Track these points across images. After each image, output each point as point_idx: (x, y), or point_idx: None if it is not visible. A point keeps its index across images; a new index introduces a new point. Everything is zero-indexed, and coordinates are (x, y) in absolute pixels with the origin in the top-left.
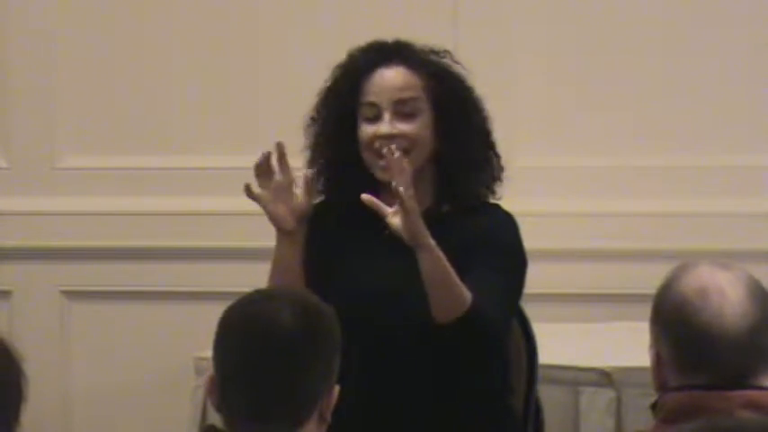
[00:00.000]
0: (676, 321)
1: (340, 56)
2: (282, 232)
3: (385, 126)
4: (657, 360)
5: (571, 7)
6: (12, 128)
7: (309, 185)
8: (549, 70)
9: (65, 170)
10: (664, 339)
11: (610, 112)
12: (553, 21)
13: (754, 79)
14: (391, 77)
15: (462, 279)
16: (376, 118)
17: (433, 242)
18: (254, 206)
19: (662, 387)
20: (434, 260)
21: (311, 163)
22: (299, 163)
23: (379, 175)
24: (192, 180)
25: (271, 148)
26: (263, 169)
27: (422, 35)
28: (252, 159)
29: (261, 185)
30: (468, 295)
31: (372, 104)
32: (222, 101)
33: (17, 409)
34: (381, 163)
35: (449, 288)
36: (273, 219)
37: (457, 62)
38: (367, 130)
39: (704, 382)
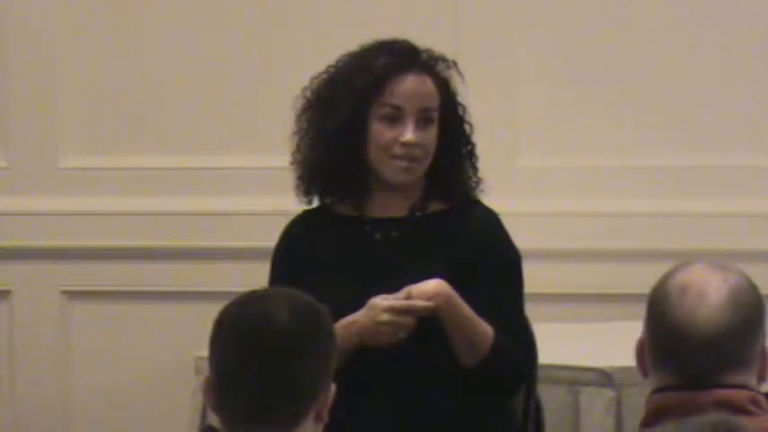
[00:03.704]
0: (654, 316)
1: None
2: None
3: (410, 133)
4: (641, 349)
5: (571, 7)
6: (12, 128)
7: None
8: (549, 70)
9: (65, 170)
10: (646, 331)
11: (610, 113)
12: (553, 21)
13: (755, 79)
14: (422, 85)
15: (465, 292)
16: (395, 121)
17: (449, 299)
18: (252, 206)
19: (644, 375)
20: (452, 316)
21: (305, 154)
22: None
23: (393, 177)
24: (192, 180)
25: (270, 148)
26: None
27: (422, 35)
28: (252, 159)
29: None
30: (489, 334)
31: (397, 107)
32: (223, 101)
33: None
34: (402, 164)
35: (469, 335)
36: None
37: (460, 74)
38: (387, 132)
39: (675, 381)
